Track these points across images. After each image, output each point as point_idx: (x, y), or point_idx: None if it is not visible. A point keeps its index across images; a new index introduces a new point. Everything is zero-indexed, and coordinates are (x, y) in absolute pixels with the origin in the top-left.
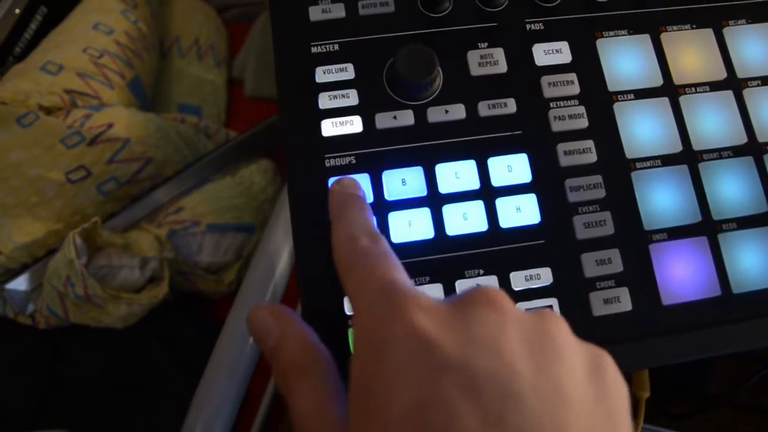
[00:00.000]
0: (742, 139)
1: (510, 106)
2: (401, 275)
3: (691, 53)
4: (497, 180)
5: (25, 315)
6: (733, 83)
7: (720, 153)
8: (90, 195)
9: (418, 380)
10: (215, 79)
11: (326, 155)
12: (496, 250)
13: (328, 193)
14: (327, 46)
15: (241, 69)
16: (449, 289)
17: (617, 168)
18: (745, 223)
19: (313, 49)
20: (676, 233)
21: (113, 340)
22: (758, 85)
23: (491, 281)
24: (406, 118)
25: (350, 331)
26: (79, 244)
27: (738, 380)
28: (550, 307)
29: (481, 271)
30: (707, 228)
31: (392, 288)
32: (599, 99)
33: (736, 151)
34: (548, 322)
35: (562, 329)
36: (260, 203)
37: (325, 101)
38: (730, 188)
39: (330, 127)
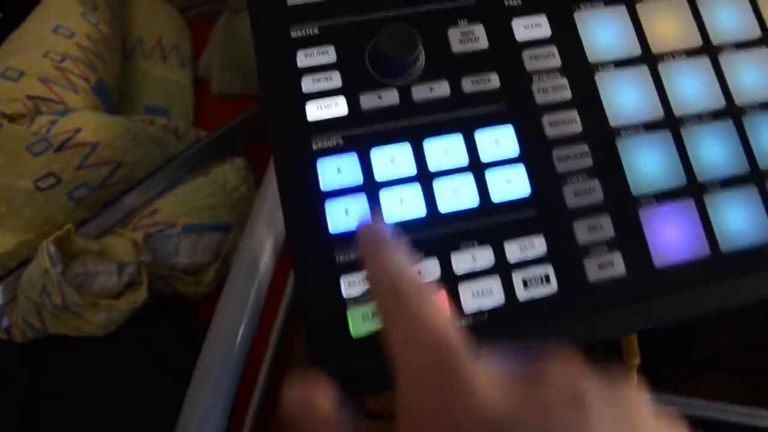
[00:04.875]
0: (720, 103)
1: (493, 81)
2: (455, 331)
3: (667, 22)
4: (485, 154)
5: (0, 329)
6: (709, 49)
7: (700, 117)
8: (61, 202)
9: None
10: (181, 79)
11: (313, 137)
12: (489, 223)
13: (359, 233)
14: (306, 29)
15: (206, 68)
16: (445, 263)
17: (602, 137)
18: (729, 183)
19: (293, 34)
20: (663, 197)
21: (95, 349)
22: (733, 51)
23: (486, 254)
24: (390, 97)
25: (349, 312)
26: (53, 252)
27: (725, 343)
28: (547, 276)
29: (476, 243)
30: (693, 190)
31: (445, 346)
32: (580, 70)
33: (716, 115)
34: (632, 410)
35: (643, 406)
36: (235, 201)
37: (308, 84)
38: (712, 151)
39: (315, 110)
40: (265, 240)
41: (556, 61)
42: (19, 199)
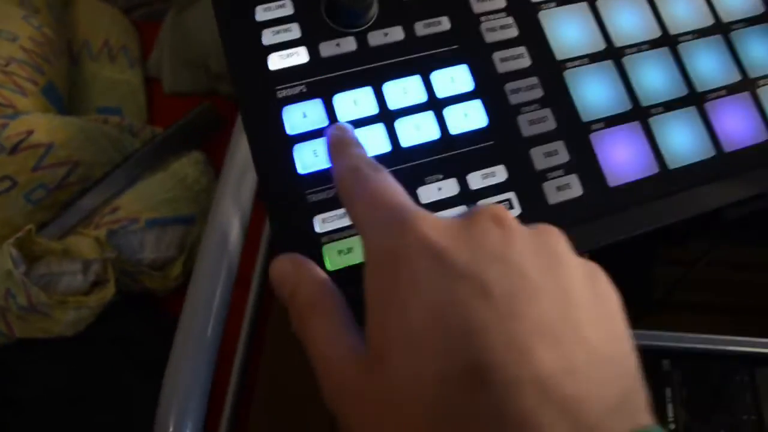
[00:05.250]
0: (656, 33)
1: (444, 23)
2: (408, 198)
3: None
4: (442, 91)
5: None
6: None
7: (639, 47)
8: (18, 205)
9: (433, 287)
10: (131, 79)
11: (277, 87)
12: (451, 154)
13: (328, 135)
14: None
15: (156, 67)
16: (412, 197)
17: (550, 69)
18: (670, 106)
19: None
20: (611, 121)
21: (65, 350)
22: None
23: (451, 184)
24: (348, 44)
25: (324, 249)
26: (15, 254)
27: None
28: (508, 201)
29: (441, 176)
30: (638, 114)
31: (401, 207)
32: (525, 9)
33: (653, 44)
34: (549, 235)
35: (561, 241)
36: (196, 194)
37: (268, 37)
38: (653, 77)
39: (277, 60)
40: (231, 219)
41: (501, 2)
42: None
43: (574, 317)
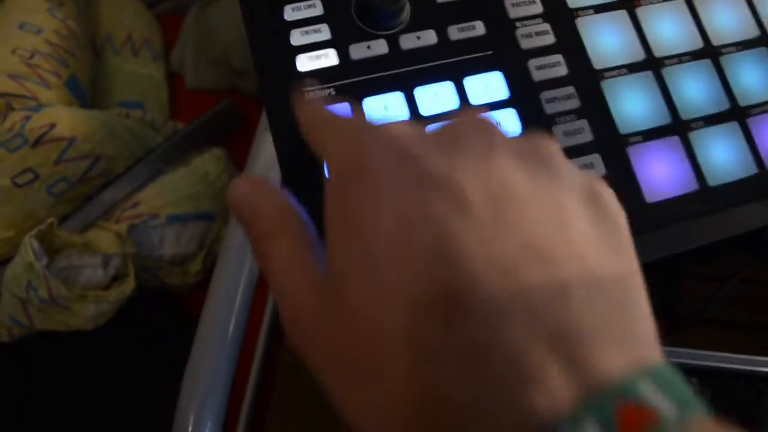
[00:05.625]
0: (698, 43)
1: (479, 28)
2: None
3: None
4: (476, 98)
5: None
6: None
7: (680, 58)
8: (40, 198)
9: (400, 196)
10: (154, 74)
11: (305, 89)
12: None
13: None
14: None
15: (179, 63)
16: None
17: (587, 79)
18: (711, 120)
19: None
20: (650, 135)
21: (84, 344)
22: None
23: None
24: (379, 47)
25: None
26: (37, 246)
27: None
28: None
29: None
30: (678, 128)
31: (372, 123)
32: (562, 15)
33: (695, 55)
34: (540, 140)
35: (553, 147)
36: (217, 191)
37: (297, 38)
38: (693, 90)
39: (306, 62)
40: None
41: (538, 8)
42: None
43: (569, 233)
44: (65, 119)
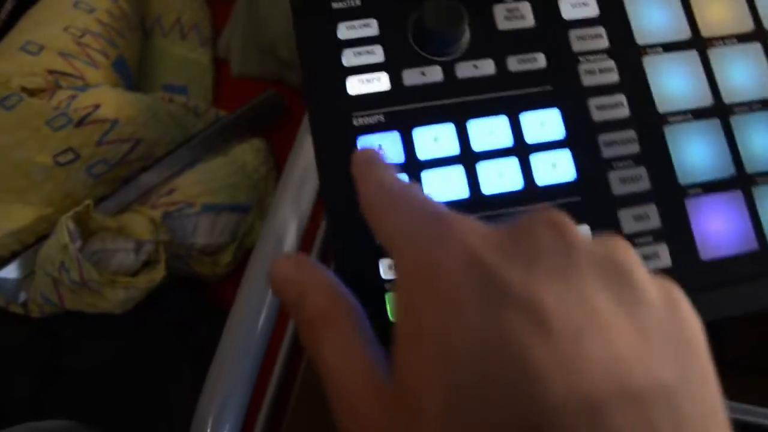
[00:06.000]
0: None
1: (539, 60)
2: (446, 208)
3: (718, 5)
4: (531, 136)
5: (17, 304)
6: (761, 35)
7: (750, 106)
8: (80, 178)
9: (478, 314)
10: (200, 59)
11: (354, 113)
12: (533, 208)
13: (352, 157)
14: (348, 1)
15: (226, 48)
16: None
17: (650, 122)
18: None
19: (334, 5)
20: (710, 187)
21: (112, 326)
22: None
23: None
24: (434, 74)
25: (388, 297)
26: (72, 228)
27: (753, 345)
28: None
29: None
30: (741, 181)
31: (440, 213)
32: (628, 53)
33: (767, 104)
34: (619, 250)
35: (634, 259)
36: (255, 182)
37: (349, 58)
38: (762, 141)
39: (356, 85)
40: (289, 222)
41: (604, 42)
42: (38, 174)
43: (652, 360)
44: (109, 101)
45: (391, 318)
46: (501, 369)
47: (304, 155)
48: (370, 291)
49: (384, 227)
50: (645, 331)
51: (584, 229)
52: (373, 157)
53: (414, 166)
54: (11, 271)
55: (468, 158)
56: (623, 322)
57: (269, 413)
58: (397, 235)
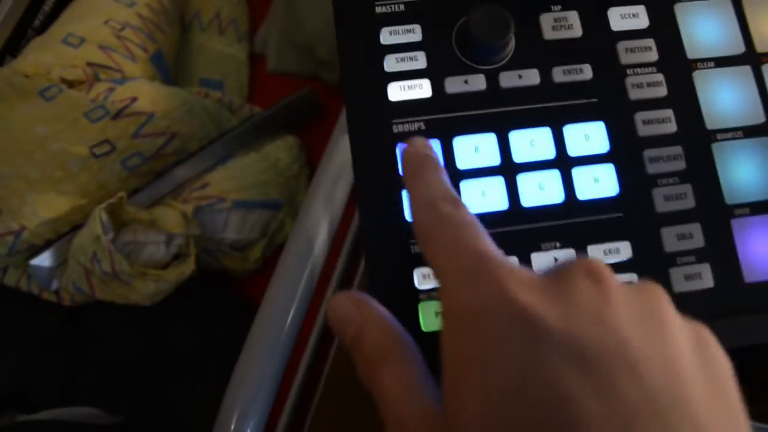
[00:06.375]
0: None
1: (586, 72)
2: (490, 244)
3: None
4: (574, 149)
5: (50, 291)
6: None
7: None
8: (114, 170)
9: (518, 354)
10: (237, 54)
11: (394, 120)
12: (573, 222)
13: (402, 154)
14: (392, 5)
15: (262, 44)
16: (524, 262)
17: (697, 139)
18: None
19: (378, 9)
20: (758, 208)
21: (141, 317)
22: None
23: (568, 254)
24: (477, 82)
25: (421, 306)
26: (105, 219)
27: None
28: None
29: (558, 244)
30: None
31: (483, 257)
32: (678, 66)
33: None
34: (652, 294)
35: (666, 302)
36: (287, 180)
37: (391, 64)
38: None
39: (398, 91)
40: (320, 220)
41: (653, 55)
42: (74, 165)
43: (683, 394)
44: (146, 94)
45: (423, 328)
46: (538, 399)
47: (339, 154)
48: (404, 300)
49: (430, 256)
50: (674, 363)
51: (627, 277)
52: (424, 160)
53: (453, 175)
54: (45, 259)
55: (508, 169)
56: (654, 356)
57: (293, 411)
58: (442, 272)
